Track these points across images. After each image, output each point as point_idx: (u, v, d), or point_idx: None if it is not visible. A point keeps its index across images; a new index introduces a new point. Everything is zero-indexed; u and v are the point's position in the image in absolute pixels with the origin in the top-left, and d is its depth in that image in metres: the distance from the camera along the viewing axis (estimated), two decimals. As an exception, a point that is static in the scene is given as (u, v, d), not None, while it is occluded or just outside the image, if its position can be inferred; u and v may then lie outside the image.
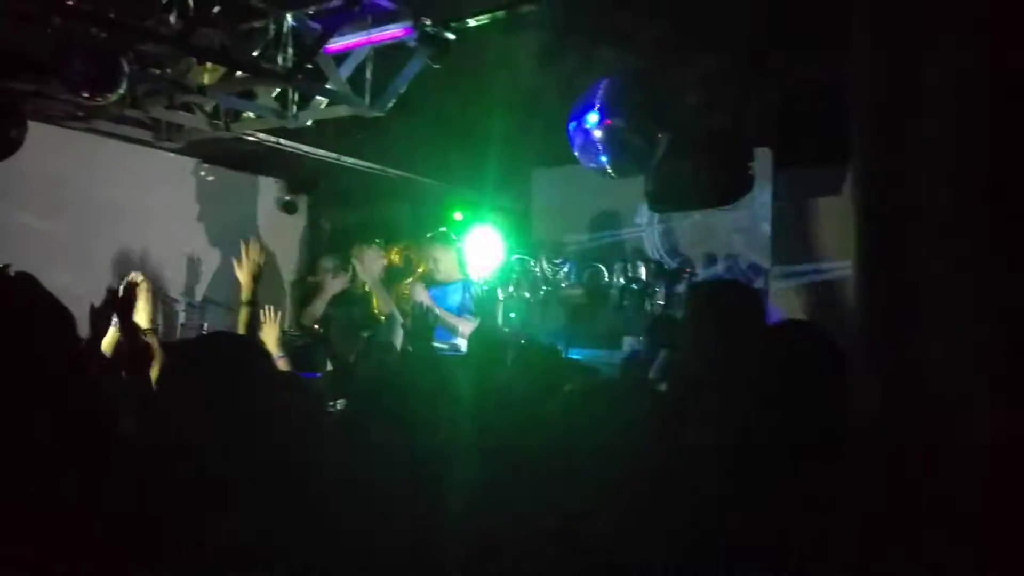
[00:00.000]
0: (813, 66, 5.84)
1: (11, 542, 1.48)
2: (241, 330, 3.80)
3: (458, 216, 9.07)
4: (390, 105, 5.68)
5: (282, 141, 7.10)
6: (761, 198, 6.69)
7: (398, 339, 4.59)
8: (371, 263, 5.25)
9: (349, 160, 7.67)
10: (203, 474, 1.37)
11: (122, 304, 3.33)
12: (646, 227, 7.55)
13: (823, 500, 1.80)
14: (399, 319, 5.24)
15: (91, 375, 2.59)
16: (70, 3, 4.67)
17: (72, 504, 1.66)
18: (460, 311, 6.16)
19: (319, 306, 6.58)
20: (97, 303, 3.32)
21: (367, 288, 6.61)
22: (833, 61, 5.59)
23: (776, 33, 5.46)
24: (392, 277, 9.51)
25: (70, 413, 1.84)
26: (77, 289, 3.37)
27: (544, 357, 3.96)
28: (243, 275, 4.02)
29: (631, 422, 2.05)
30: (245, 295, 3.99)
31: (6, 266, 2.48)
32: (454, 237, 6.33)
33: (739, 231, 6.93)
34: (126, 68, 4.77)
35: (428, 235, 6.55)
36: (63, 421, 1.80)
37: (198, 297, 7.95)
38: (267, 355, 1.72)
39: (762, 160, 6.53)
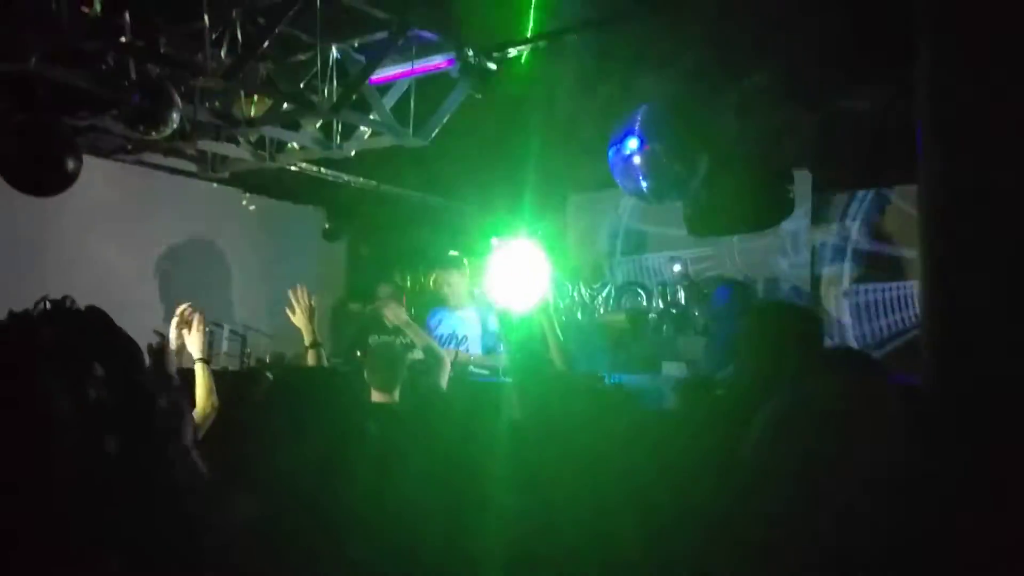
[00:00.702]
0: (851, 90, 5.88)
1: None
2: None
3: (495, 241, 9.15)
4: (433, 135, 5.76)
5: (323, 170, 7.22)
6: (801, 221, 6.70)
7: (444, 372, 4.60)
8: (396, 312, 5.19)
9: (389, 187, 7.78)
10: (302, 497, 1.42)
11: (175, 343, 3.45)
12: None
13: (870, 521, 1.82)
14: (438, 351, 5.24)
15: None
16: (124, 39, 4.80)
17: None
18: (483, 343, 6.05)
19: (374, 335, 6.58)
20: (152, 341, 3.41)
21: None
22: (871, 85, 5.63)
23: (815, 57, 5.50)
24: (430, 303, 9.60)
25: (145, 446, 1.90)
26: (129, 318, 3.48)
27: (587, 386, 3.99)
28: (299, 320, 4.08)
29: (688, 456, 2.06)
30: (308, 339, 4.04)
31: (66, 298, 2.52)
32: (465, 262, 6.28)
33: (779, 254, 6.93)
34: (179, 102, 4.90)
35: (443, 260, 6.48)
36: (137, 453, 1.86)
37: (240, 324, 8.05)
38: (364, 387, 1.77)
39: (802, 183, 6.55)
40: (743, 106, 5.88)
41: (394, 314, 4.91)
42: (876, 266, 6.73)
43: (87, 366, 1.80)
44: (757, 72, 5.63)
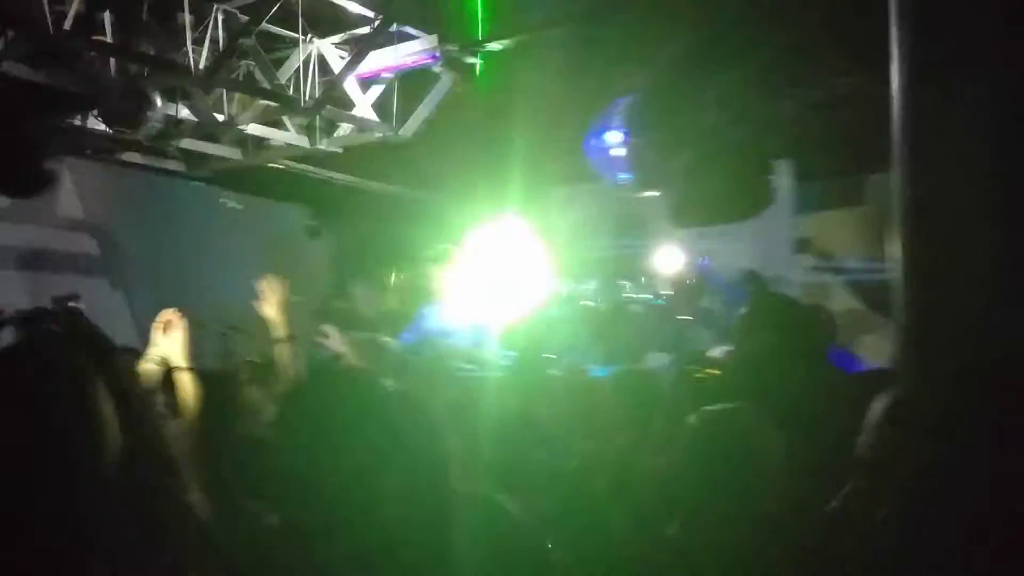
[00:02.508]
0: (830, 78, 5.92)
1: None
2: (284, 369, 3.55)
3: (481, 235, 9.16)
4: (416, 130, 5.76)
5: (306, 167, 7.19)
6: (782, 210, 6.74)
7: None
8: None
9: (372, 183, 7.76)
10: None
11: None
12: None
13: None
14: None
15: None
16: (103, 39, 4.78)
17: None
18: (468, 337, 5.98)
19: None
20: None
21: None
22: (851, 74, 5.67)
23: (792, 46, 5.53)
24: (415, 297, 9.57)
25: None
26: (110, 318, 3.48)
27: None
28: (271, 311, 3.65)
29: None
30: (279, 331, 3.62)
31: (72, 296, 2.51)
32: (451, 254, 6.19)
33: (761, 244, 6.97)
34: (158, 101, 4.87)
35: (424, 254, 6.34)
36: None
37: (224, 324, 8.02)
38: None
39: (782, 173, 6.59)
40: (725, 98, 5.92)
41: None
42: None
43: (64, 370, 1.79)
44: (738, 64, 5.66)
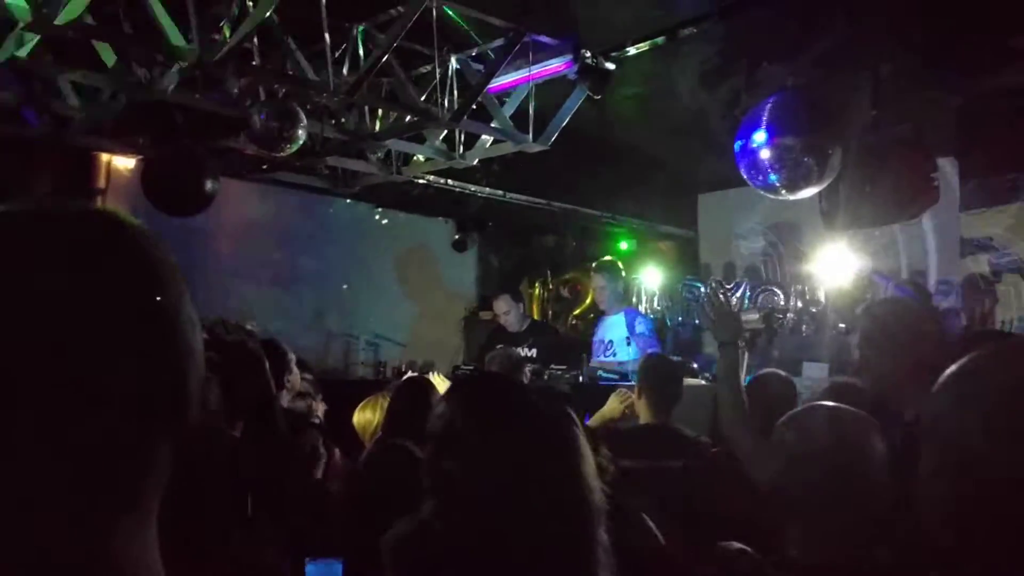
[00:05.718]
0: (996, 69, 5.49)
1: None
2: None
3: (624, 245, 9.05)
4: (553, 139, 5.71)
5: (451, 182, 7.29)
6: (947, 210, 6.29)
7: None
8: None
9: (515, 196, 7.78)
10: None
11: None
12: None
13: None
14: None
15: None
16: (254, 63, 4.98)
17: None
18: (628, 343, 5.88)
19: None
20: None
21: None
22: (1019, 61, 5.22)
23: (954, 35, 5.16)
24: (561, 308, 9.56)
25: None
26: (269, 329, 3.67)
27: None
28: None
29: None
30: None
31: (242, 323, 2.55)
32: (620, 266, 6.13)
33: (924, 246, 6.53)
34: (304, 120, 5.03)
35: (592, 264, 6.33)
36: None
37: (374, 335, 8.25)
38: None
39: (947, 170, 6.16)
40: (879, 93, 5.57)
41: None
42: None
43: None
44: (892, 57, 5.32)
